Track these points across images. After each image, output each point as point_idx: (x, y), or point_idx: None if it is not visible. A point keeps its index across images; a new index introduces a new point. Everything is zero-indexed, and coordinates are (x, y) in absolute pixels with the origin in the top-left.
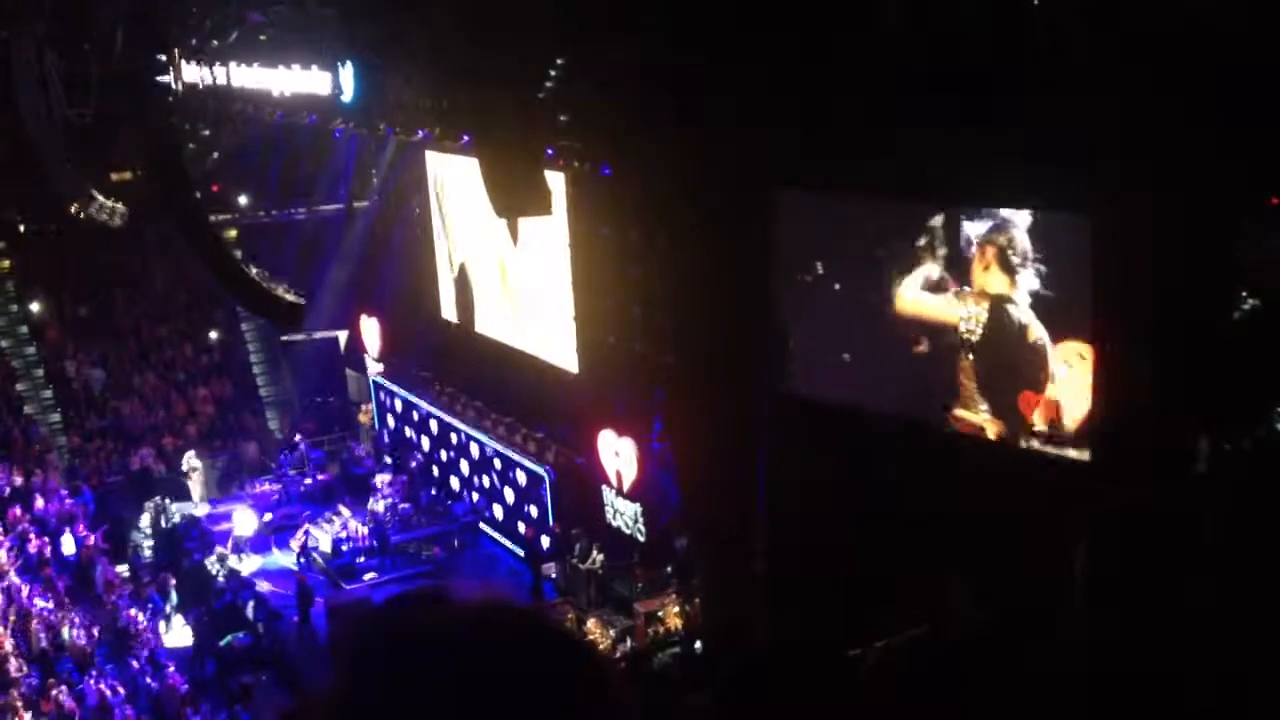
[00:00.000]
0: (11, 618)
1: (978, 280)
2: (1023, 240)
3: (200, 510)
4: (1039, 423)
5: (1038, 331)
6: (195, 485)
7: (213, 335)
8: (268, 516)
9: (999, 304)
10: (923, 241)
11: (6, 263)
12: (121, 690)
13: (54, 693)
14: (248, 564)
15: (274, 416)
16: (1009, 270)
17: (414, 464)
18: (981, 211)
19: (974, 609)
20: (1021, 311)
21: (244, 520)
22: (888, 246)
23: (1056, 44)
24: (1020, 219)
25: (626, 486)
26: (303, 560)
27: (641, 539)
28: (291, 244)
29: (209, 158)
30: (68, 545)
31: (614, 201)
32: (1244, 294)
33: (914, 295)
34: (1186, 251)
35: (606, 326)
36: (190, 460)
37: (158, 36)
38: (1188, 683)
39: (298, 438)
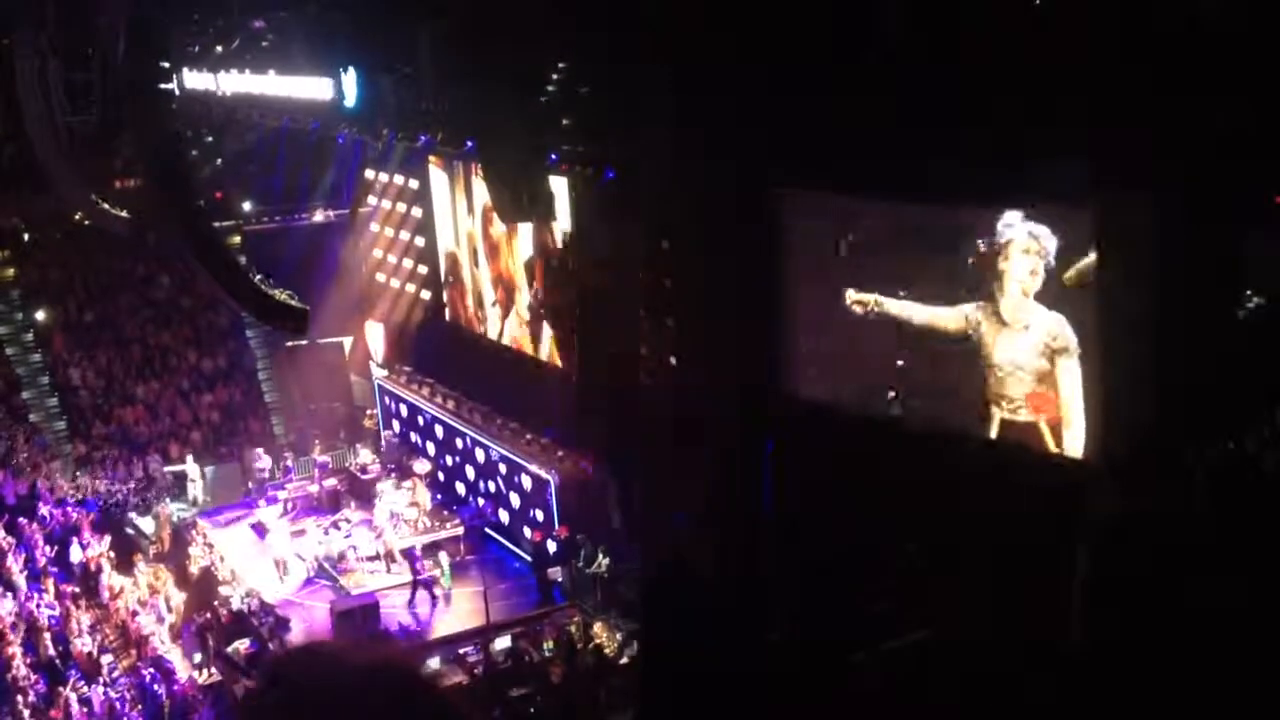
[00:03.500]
0: (19, 626)
1: (984, 281)
2: (1028, 241)
3: (194, 512)
4: (1044, 424)
5: (1042, 332)
6: (195, 489)
7: (218, 342)
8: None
9: (1005, 304)
10: (928, 241)
11: (11, 270)
12: (129, 697)
13: (62, 700)
14: (254, 570)
15: (279, 423)
16: (1014, 271)
17: (419, 469)
18: (987, 212)
19: (976, 610)
20: (1027, 312)
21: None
22: (892, 247)
23: (1061, 43)
24: (1025, 219)
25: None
26: (311, 567)
27: None
28: (295, 250)
29: (212, 164)
30: (74, 553)
31: (617, 205)
32: (1249, 292)
33: (919, 295)
34: (1190, 251)
35: (611, 329)
36: (190, 465)
37: (160, 43)
38: (1189, 682)
39: (316, 445)
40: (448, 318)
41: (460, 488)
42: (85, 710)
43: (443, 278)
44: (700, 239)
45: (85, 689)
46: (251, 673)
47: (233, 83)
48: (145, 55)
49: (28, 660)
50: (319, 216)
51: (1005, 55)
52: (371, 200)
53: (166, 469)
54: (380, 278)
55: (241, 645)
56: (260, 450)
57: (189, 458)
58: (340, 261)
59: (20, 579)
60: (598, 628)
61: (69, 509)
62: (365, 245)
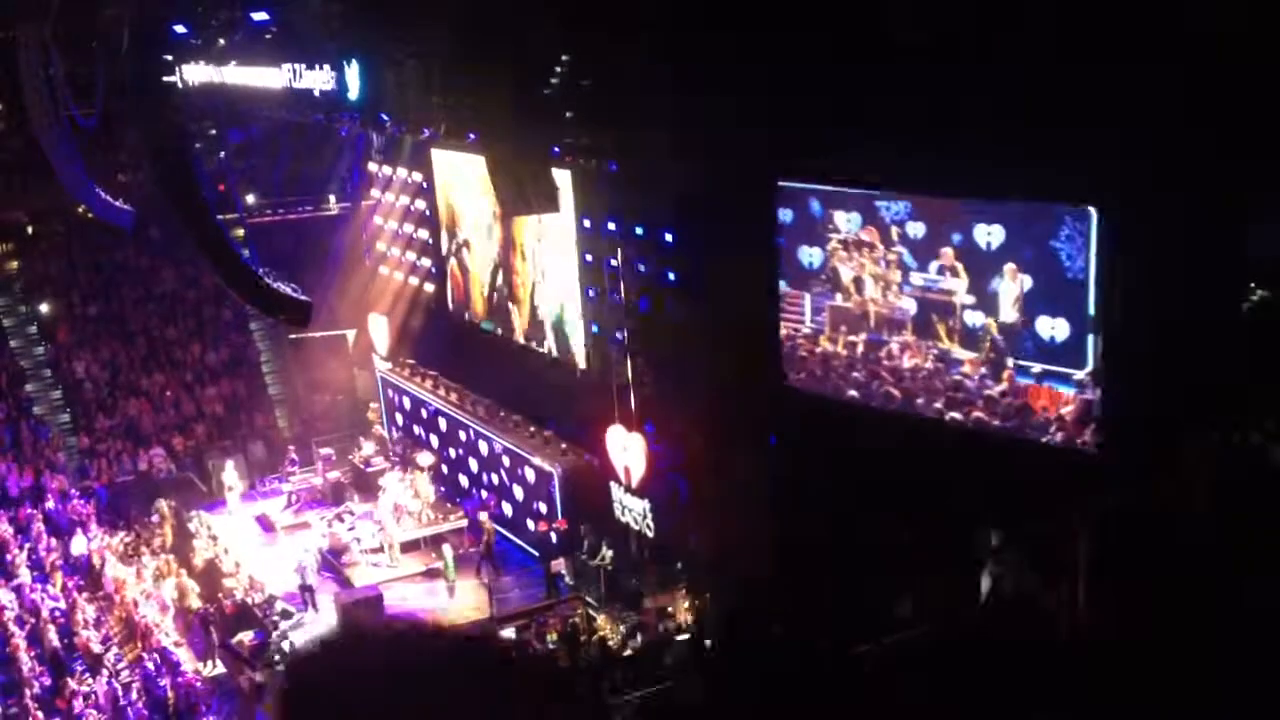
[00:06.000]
0: (25, 618)
1: (988, 277)
2: (1030, 238)
3: (232, 520)
4: (1046, 418)
5: (1043, 328)
6: (233, 498)
7: (222, 335)
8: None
9: (1005, 302)
10: (929, 239)
11: (14, 263)
12: (134, 689)
13: (66, 692)
14: (259, 562)
15: (283, 415)
16: (1017, 268)
17: (423, 461)
18: (988, 209)
19: (973, 606)
20: (1028, 308)
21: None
22: (893, 244)
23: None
24: (1028, 216)
25: (635, 483)
26: (316, 559)
27: (650, 535)
28: (299, 242)
29: (215, 157)
30: (78, 545)
31: (621, 198)
32: (1252, 285)
33: (920, 294)
34: (1192, 246)
35: (614, 322)
36: (229, 474)
37: (163, 36)
38: (1184, 674)
39: (315, 440)
40: (451, 310)
41: (464, 480)
42: (90, 702)
43: (449, 271)
44: (706, 234)
45: (90, 681)
46: (256, 664)
47: (236, 75)
48: (149, 48)
49: (32, 653)
50: (323, 209)
51: (1007, 55)
52: (375, 193)
53: (197, 480)
54: (384, 271)
55: (245, 637)
56: (261, 443)
57: (229, 464)
58: (343, 254)
59: (25, 572)
60: (601, 619)
61: (73, 502)
62: (368, 238)
